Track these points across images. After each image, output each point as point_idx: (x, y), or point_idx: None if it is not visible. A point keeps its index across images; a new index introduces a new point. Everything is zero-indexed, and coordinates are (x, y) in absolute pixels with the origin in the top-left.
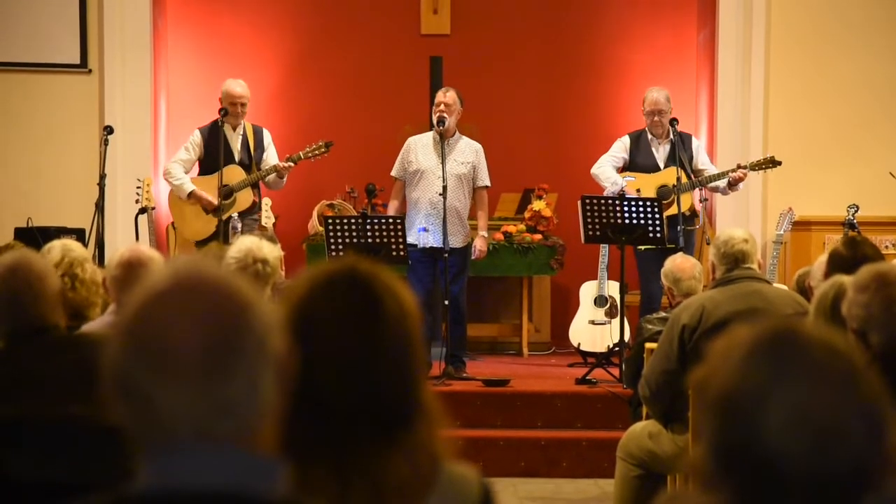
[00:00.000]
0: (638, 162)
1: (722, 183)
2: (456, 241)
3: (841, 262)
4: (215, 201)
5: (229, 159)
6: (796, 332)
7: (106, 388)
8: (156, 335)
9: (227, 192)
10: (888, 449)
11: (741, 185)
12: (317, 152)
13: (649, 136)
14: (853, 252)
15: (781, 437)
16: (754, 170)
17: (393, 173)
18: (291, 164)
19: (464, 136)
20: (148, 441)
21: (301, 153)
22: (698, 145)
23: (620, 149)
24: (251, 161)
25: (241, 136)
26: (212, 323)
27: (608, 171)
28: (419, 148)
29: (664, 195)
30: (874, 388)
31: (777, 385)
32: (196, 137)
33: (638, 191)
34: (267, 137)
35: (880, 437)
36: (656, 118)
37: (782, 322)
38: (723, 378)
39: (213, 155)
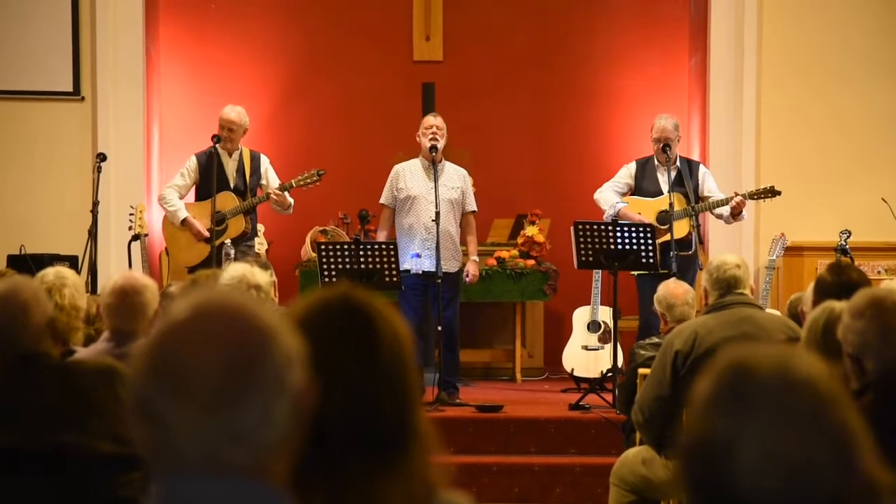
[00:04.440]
0: (643, 188)
1: (725, 211)
2: (450, 266)
3: (827, 288)
4: (206, 233)
5: (224, 185)
6: (752, 371)
7: (127, 410)
8: (174, 361)
9: (219, 219)
10: (862, 473)
11: (744, 213)
12: (308, 181)
13: (655, 163)
14: (839, 277)
15: (754, 480)
16: (753, 198)
17: (382, 201)
18: (283, 192)
19: (448, 162)
20: (160, 467)
21: (293, 181)
22: (705, 172)
23: (625, 175)
24: (246, 187)
25: (237, 162)
26: (229, 351)
27: (608, 196)
28: (407, 174)
29: (664, 220)
30: (839, 415)
31: (741, 431)
32: (192, 163)
33: (639, 213)
34: (265, 163)
35: (851, 463)
36: (662, 146)
37: (737, 362)
38: (689, 429)
39: (208, 181)
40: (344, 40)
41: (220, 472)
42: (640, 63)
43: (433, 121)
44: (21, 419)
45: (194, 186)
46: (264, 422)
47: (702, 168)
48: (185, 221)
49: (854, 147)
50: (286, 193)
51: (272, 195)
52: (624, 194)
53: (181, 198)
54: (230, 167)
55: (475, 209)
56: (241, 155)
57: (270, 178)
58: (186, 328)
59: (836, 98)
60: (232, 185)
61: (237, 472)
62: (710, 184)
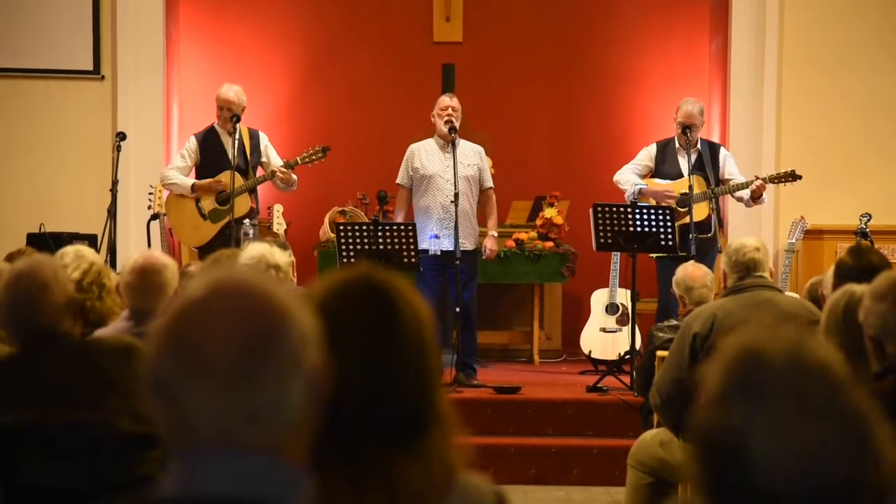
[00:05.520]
0: (664, 170)
1: (745, 195)
2: (468, 244)
3: (847, 272)
4: (220, 185)
5: (226, 164)
6: (764, 357)
7: (144, 389)
8: (189, 339)
9: (224, 199)
10: (878, 459)
11: (765, 196)
12: (313, 157)
13: (676, 145)
14: (859, 261)
15: (767, 467)
16: (773, 182)
17: (399, 181)
18: (287, 169)
19: (462, 139)
20: (177, 445)
21: (298, 158)
22: (726, 155)
23: (646, 157)
24: (247, 166)
25: (237, 141)
26: (245, 330)
27: (629, 176)
28: (423, 154)
29: (684, 203)
30: (852, 400)
31: (753, 419)
32: (192, 144)
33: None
34: (263, 140)
35: (866, 450)
36: (687, 130)
37: (748, 348)
38: (700, 419)
39: (209, 161)
40: (364, 21)
41: (238, 451)
42: (660, 46)
43: (449, 101)
44: (41, 398)
45: (195, 167)
46: (280, 400)
47: (723, 151)
48: (194, 186)
49: (874, 131)
50: (291, 171)
51: (277, 172)
52: (644, 176)
53: None
54: (230, 146)
55: (492, 185)
56: (240, 133)
57: (271, 155)
58: (202, 307)
59: (857, 82)
60: (233, 165)
61: (254, 451)
62: (731, 167)
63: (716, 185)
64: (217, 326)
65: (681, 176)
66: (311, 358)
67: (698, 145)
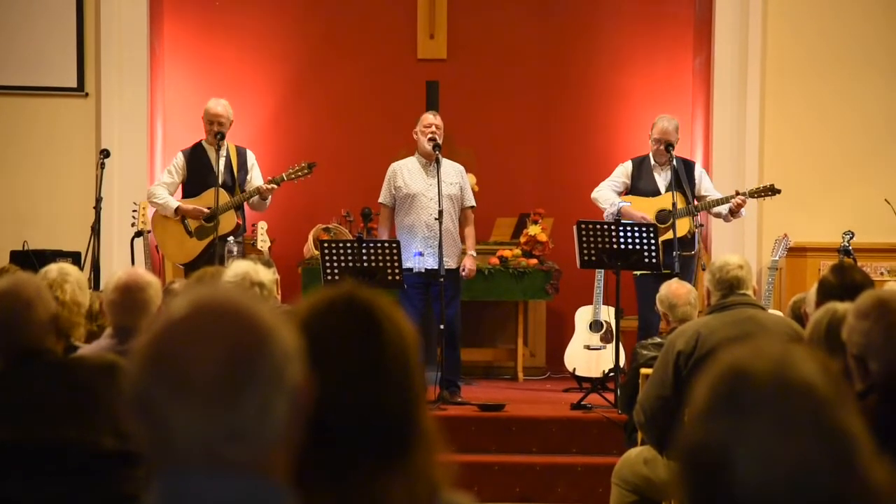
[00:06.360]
0: (640, 187)
1: (724, 209)
2: (451, 263)
3: (830, 289)
4: (205, 210)
5: (212, 181)
6: (749, 374)
7: (125, 406)
8: (172, 357)
9: (209, 216)
10: (862, 475)
11: (743, 211)
12: (299, 174)
13: (652, 163)
14: (842, 279)
15: (752, 484)
16: (753, 197)
17: (381, 200)
18: (274, 185)
19: (444, 158)
20: (160, 462)
21: (284, 175)
22: (701, 172)
23: (622, 174)
24: (234, 183)
25: (224, 158)
26: (227, 348)
27: (607, 194)
28: (405, 173)
29: (663, 220)
30: (837, 417)
31: (738, 436)
32: (179, 160)
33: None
34: (251, 158)
35: (850, 466)
36: (662, 147)
37: (734, 365)
38: (687, 435)
39: (196, 177)
40: (348, 38)
41: (220, 469)
42: (643, 62)
43: (432, 119)
44: (24, 415)
45: (181, 184)
46: (263, 418)
47: (697, 167)
48: (178, 210)
49: (857, 148)
50: (277, 187)
51: (263, 190)
52: (620, 193)
53: (171, 195)
54: (218, 163)
55: (473, 204)
56: (227, 150)
57: (255, 175)
58: (184, 325)
59: (840, 99)
60: (220, 181)
61: (237, 469)
62: (707, 183)
63: (692, 201)
64: (199, 344)
65: (657, 193)
66: (293, 375)
67: (673, 162)
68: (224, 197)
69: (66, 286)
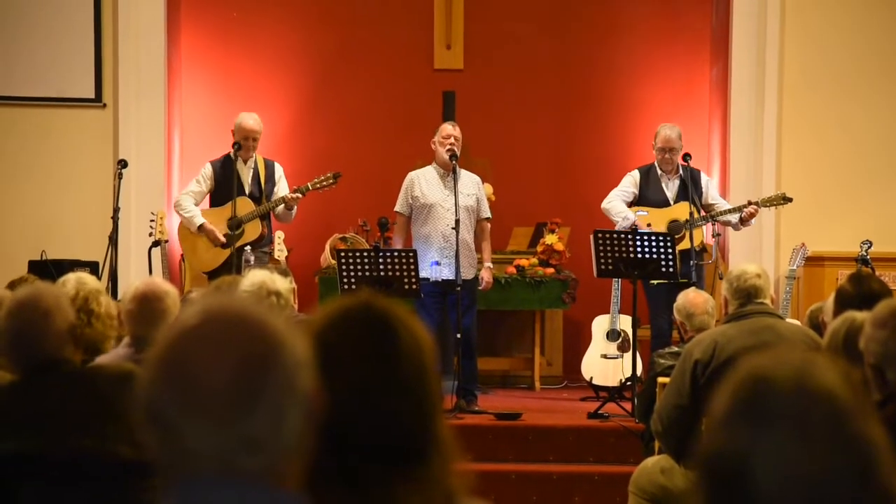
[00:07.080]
0: (648, 197)
1: (734, 218)
2: (468, 274)
3: (848, 299)
4: (222, 238)
5: (239, 192)
6: (770, 383)
7: (137, 417)
8: (184, 368)
9: (235, 224)
10: (882, 486)
11: (753, 220)
12: (325, 183)
13: (659, 172)
14: (860, 288)
15: (772, 494)
16: (766, 206)
17: (397, 209)
18: (299, 195)
19: (462, 169)
20: (173, 473)
21: (309, 184)
22: (708, 181)
23: (630, 183)
24: (261, 194)
25: (252, 170)
26: (239, 358)
27: (619, 206)
28: (423, 183)
29: (675, 230)
30: (858, 427)
31: (758, 445)
32: (207, 170)
33: (648, 225)
34: (279, 171)
35: (871, 477)
36: (667, 155)
37: (755, 373)
38: (706, 443)
39: (223, 188)
40: (365, 48)
41: (234, 479)
42: (661, 73)
43: (451, 130)
44: (42, 425)
45: (209, 194)
46: (276, 427)
47: (704, 176)
48: (201, 227)
49: (875, 157)
50: (302, 196)
51: (288, 199)
52: (630, 203)
53: (196, 204)
54: (245, 174)
55: (489, 216)
56: (255, 162)
57: (282, 187)
58: (195, 335)
59: (857, 108)
60: (247, 192)
61: (251, 478)
62: (714, 191)
63: (700, 210)
64: (210, 353)
65: (666, 201)
66: (305, 383)
67: (680, 171)
68: (249, 205)
69: (101, 298)
